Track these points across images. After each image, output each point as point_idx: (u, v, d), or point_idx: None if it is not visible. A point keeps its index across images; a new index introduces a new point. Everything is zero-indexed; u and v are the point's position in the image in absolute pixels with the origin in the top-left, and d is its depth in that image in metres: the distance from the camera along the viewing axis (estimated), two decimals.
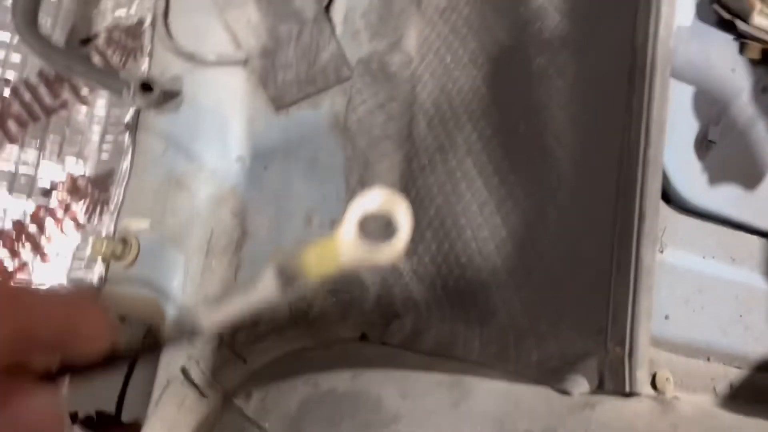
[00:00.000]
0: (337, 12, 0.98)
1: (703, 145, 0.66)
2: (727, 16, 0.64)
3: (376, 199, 0.31)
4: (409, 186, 0.88)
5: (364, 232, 0.31)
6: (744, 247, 0.67)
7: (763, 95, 0.68)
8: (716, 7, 0.65)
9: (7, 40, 0.98)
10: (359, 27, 0.99)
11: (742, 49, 0.67)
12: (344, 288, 0.91)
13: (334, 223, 0.96)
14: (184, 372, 0.83)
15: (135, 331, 1.11)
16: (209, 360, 0.84)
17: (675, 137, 0.64)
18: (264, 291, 0.31)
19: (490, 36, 0.83)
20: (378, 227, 0.32)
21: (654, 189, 0.51)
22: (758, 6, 0.62)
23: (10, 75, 0.99)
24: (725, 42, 0.67)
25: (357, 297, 0.91)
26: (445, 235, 0.78)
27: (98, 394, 0.99)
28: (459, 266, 0.75)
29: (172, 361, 0.84)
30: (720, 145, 0.66)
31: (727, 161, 0.66)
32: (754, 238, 0.68)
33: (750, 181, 0.67)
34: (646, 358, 0.49)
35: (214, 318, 0.31)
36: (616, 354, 0.50)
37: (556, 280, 0.60)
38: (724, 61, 0.67)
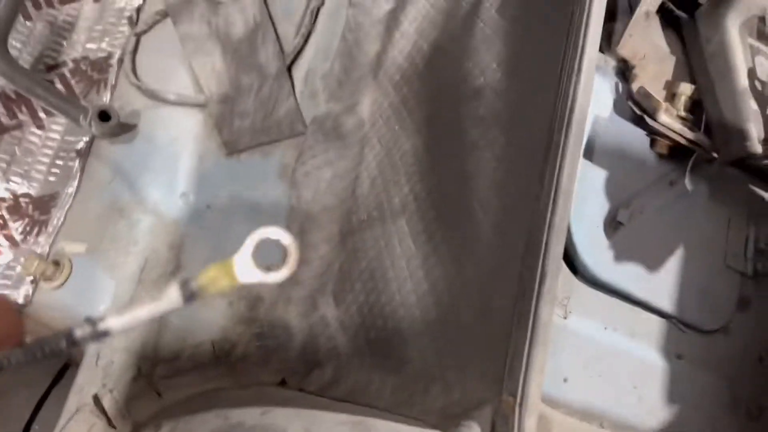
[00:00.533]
0: (299, 72, 1.05)
1: (612, 225, 0.72)
2: (638, 112, 0.71)
3: (270, 232, 0.37)
4: (346, 239, 0.92)
5: (259, 259, 0.36)
6: (643, 323, 0.72)
7: (669, 188, 0.75)
8: (630, 103, 0.72)
9: None
10: (318, 88, 1.05)
11: (653, 144, 0.75)
12: (271, 333, 0.92)
13: (269, 268, 0.98)
14: (96, 400, 0.82)
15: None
16: (124, 390, 0.83)
17: (586, 215, 0.71)
18: (168, 302, 0.35)
19: (434, 109, 0.90)
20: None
21: (556, 252, 0.56)
22: (664, 106, 0.70)
23: None
24: (638, 136, 0.75)
25: (282, 344, 0.92)
26: (374, 286, 0.81)
27: (4, 423, 0.96)
28: (382, 317, 0.78)
29: (85, 388, 0.83)
30: (627, 227, 0.72)
31: (633, 243, 0.72)
32: (653, 317, 0.73)
33: (653, 264, 0.73)
34: (536, 408, 0.52)
35: (122, 321, 0.34)
36: (508, 403, 0.53)
37: (466, 332, 0.63)
38: (635, 152, 0.74)
